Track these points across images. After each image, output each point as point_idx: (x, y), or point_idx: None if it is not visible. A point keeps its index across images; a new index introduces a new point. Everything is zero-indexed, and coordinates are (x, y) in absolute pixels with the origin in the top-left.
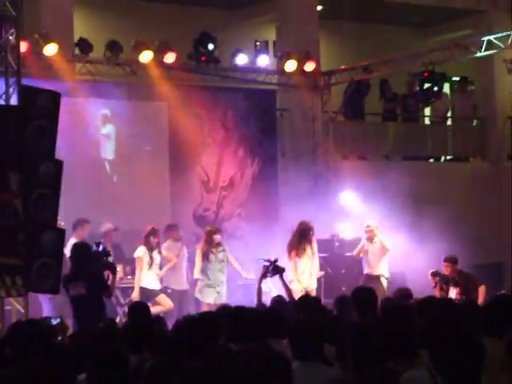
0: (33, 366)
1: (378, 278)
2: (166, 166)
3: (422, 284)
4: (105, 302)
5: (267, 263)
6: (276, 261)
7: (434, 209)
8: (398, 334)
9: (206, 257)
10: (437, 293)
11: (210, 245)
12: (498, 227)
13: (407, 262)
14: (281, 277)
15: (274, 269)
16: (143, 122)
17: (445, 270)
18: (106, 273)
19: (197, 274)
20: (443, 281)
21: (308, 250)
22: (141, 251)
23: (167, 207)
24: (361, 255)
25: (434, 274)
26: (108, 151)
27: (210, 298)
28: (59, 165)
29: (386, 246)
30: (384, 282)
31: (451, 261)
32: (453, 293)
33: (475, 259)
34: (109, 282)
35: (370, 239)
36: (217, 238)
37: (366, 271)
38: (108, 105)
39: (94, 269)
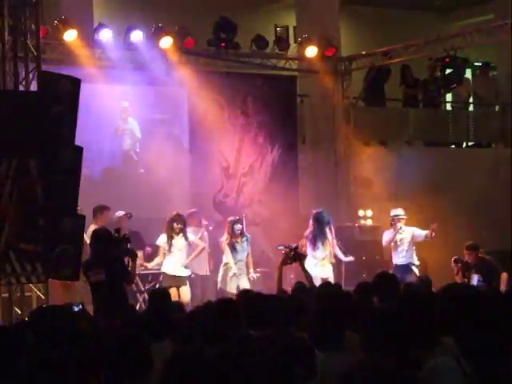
0: (56, 354)
1: (408, 267)
2: (186, 152)
3: (443, 271)
4: (125, 288)
5: (287, 250)
6: (296, 247)
7: (456, 195)
8: (417, 321)
9: (232, 247)
10: (458, 280)
11: (234, 235)
12: None
13: (429, 250)
14: (301, 264)
15: (295, 255)
16: (163, 108)
17: (466, 257)
18: (127, 259)
19: (232, 266)
20: (465, 268)
21: (325, 238)
22: (161, 239)
23: (187, 193)
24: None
25: (457, 261)
26: (128, 141)
27: (234, 287)
28: (79, 151)
29: (418, 235)
30: (416, 271)
31: (473, 248)
32: (474, 280)
33: (497, 245)
34: (129, 269)
35: (398, 228)
36: (238, 227)
37: (396, 261)
38: (127, 91)
39: (114, 255)
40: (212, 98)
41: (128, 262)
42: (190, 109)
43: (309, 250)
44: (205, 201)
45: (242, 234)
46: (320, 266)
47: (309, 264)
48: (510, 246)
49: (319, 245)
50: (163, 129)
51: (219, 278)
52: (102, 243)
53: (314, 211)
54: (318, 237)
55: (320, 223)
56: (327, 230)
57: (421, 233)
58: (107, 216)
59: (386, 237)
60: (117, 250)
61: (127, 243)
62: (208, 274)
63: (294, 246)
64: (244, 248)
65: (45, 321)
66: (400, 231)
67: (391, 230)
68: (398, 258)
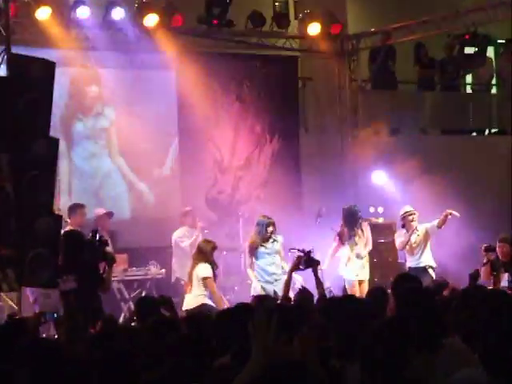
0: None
1: (424, 269)
2: (174, 142)
3: (463, 266)
4: (100, 297)
5: (300, 254)
6: (310, 252)
7: (478, 189)
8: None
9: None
10: (484, 274)
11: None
12: None
13: (449, 245)
14: (314, 270)
15: (308, 260)
16: (148, 93)
17: (499, 251)
18: (103, 265)
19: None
20: (495, 264)
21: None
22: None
23: (176, 189)
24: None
25: (488, 250)
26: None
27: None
28: (55, 143)
29: (431, 228)
30: (432, 273)
31: (507, 241)
32: (504, 280)
33: None
34: (104, 276)
35: (414, 229)
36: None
37: (409, 264)
38: (107, 75)
39: (86, 260)
40: (203, 82)
41: (104, 267)
42: (178, 94)
43: (346, 251)
44: (196, 197)
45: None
46: (361, 267)
47: (354, 266)
48: None
49: (359, 242)
50: (147, 117)
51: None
52: (73, 247)
53: (345, 206)
54: (354, 234)
55: (354, 218)
56: (363, 225)
57: (432, 224)
58: (83, 215)
59: (399, 239)
60: (91, 254)
61: (104, 246)
62: None
63: (307, 250)
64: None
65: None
66: (416, 232)
67: (403, 230)
68: (414, 261)
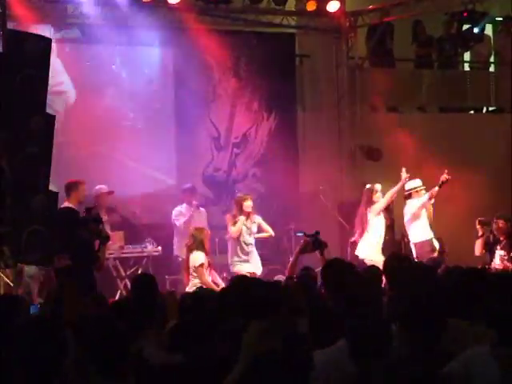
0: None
1: (431, 242)
2: (171, 121)
3: (455, 245)
4: (95, 275)
5: (308, 238)
6: (317, 233)
7: (476, 167)
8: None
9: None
10: (478, 246)
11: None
12: None
13: (449, 223)
14: (321, 253)
15: (315, 243)
16: (144, 70)
17: (495, 227)
18: (97, 243)
19: None
20: (490, 240)
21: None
22: None
23: (173, 166)
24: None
25: (482, 223)
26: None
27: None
28: (51, 119)
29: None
30: (437, 245)
31: (504, 218)
32: (497, 257)
33: None
34: (98, 254)
35: (433, 194)
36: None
37: (418, 239)
38: (104, 51)
39: (81, 238)
40: (200, 59)
41: (98, 245)
42: (175, 71)
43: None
44: (192, 175)
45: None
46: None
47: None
48: None
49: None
50: (144, 93)
51: None
52: (67, 225)
53: (367, 186)
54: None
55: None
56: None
57: (431, 191)
58: (83, 191)
59: (415, 206)
60: (85, 232)
61: (98, 224)
62: None
63: (314, 231)
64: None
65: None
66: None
67: (413, 200)
68: (420, 235)
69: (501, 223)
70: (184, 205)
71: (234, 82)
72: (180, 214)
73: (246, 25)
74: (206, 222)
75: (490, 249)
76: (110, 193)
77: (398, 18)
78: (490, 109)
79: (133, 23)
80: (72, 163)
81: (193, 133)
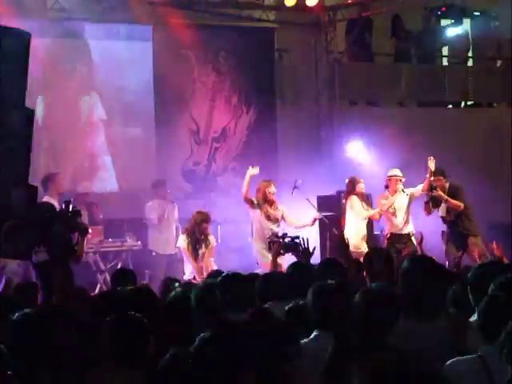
0: None
1: (408, 236)
2: (150, 115)
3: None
4: (73, 268)
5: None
6: (297, 238)
7: (453, 160)
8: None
9: None
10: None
11: None
12: None
13: (423, 219)
14: (297, 255)
15: (288, 247)
16: (124, 64)
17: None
18: (76, 235)
19: None
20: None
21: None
22: None
23: (152, 160)
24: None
25: (432, 189)
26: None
27: None
28: (31, 114)
29: (416, 193)
30: (414, 241)
31: (441, 173)
32: (443, 210)
33: (495, 216)
34: (77, 247)
35: (395, 191)
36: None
37: (392, 230)
38: (83, 46)
39: (57, 232)
40: (180, 53)
41: (77, 238)
42: (155, 65)
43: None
44: (172, 169)
45: None
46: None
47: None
48: (508, 217)
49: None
50: (124, 87)
51: None
52: (44, 219)
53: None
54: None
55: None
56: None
57: (417, 189)
58: (61, 182)
59: (383, 201)
60: (62, 225)
61: (76, 217)
62: (175, 251)
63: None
64: None
65: None
66: (405, 192)
67: (386, 192)
68: (397, 227)
69: (438, 180)
70: (155, 200)
71: (214, 77)
72: (151, 208)
73: (226, 19)
74: (177, 216)
75: (436, 204)
76: (85, 194)
77: (376, 12)
78: (469, 103)
79: (112, 18)
80: (50, 158)
81: (172, 127)
